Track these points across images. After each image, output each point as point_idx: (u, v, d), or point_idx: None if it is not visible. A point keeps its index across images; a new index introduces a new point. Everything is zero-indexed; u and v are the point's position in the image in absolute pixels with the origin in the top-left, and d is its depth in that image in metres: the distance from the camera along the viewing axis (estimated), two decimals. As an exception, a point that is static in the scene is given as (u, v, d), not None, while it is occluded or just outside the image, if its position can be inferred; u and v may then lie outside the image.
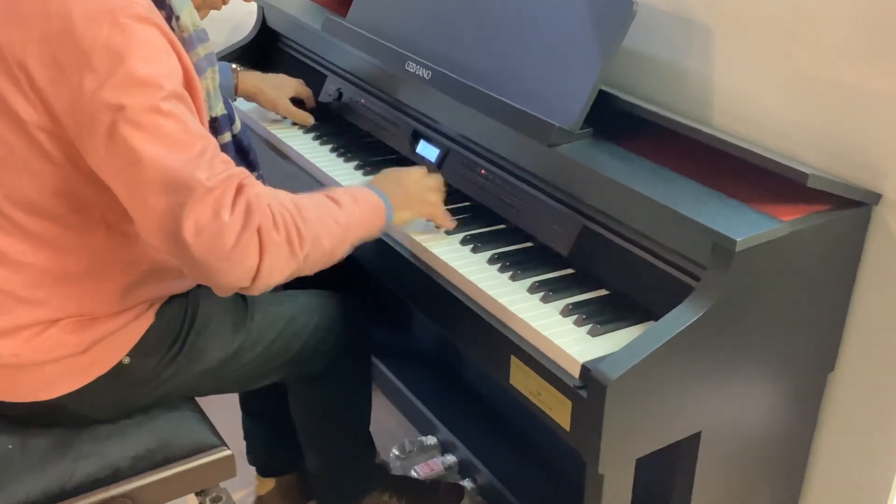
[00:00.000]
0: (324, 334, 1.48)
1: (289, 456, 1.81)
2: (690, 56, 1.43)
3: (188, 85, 1.14)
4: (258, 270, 1.09)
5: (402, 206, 1.34)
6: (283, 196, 1.15)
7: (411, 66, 1.59)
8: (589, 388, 1.08)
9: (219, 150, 1.12)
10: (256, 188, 1.11)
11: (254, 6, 2.11)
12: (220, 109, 1.30)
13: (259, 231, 1.08)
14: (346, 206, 1.23)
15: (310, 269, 1.17)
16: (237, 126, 1.36)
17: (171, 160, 1.04)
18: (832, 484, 1.40)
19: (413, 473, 1.90)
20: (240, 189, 1.08)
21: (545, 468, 1.82)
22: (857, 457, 1.35)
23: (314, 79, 1.94)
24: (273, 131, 1.83)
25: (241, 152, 1.38)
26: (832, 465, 1.39)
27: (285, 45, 2.08)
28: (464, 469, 1.92)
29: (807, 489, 1.43)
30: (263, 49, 2.12)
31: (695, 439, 1.20)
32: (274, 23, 2.07)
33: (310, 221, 1.15)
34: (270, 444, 1.82)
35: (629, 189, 1.21)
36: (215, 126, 1.31)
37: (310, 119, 1.82)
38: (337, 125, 1.84)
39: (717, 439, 1.22)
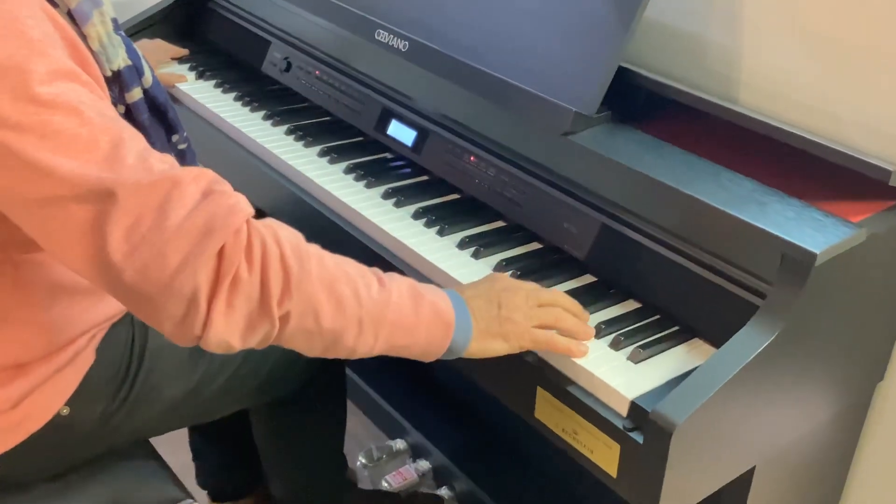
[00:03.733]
0: (294, 354, 1.26)
1: (247, 478, 1.61)
2: (713, 23, 1.25)
3: (71, 47, 0.87)
4: (209, 310, 0.80)
5: (491, 333, 0.98)
6: (283, 229, 0.87)
7: (383, 35, 1.36)
8: (646, 431, 0.91)
9: (144, 141, 0.84)
10: (235, 198, 0.83)
11: None
12: (122, 60, 1.00)
13: (221, 253, 0.79)
14: (392, 295, 0.91)
15: (286, 340, 0.88)
16: (148, 79, 1.06)
17: (74, 166, 0.78)
18: (873, 496, 1.29)
19: (384, 484, 1.72)
20: (207, 194, 0.81)
21: (528, 471, 1.67)
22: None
23: (256, 46, 1.69)
24: (213, 108, 1.57)
25: (157, 112, 1.09)
26: (874, 477, 1.27)
27: (218, 4, 1.80)
28: (439, 476, 1.75)
29: (845, 501, 1.31)
30: (188, 9, 1.83)
31: (747, 475, 1.05)
32: (202, -22, 1.80)
33: (309, 274, 0.85)
34: (225, 466, 1.61)
35: (680, 192, 1.03)
36: (120, 81, 1.01)
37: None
38: (287, 101, 1.59)
39: (770, 471, 1.08)
